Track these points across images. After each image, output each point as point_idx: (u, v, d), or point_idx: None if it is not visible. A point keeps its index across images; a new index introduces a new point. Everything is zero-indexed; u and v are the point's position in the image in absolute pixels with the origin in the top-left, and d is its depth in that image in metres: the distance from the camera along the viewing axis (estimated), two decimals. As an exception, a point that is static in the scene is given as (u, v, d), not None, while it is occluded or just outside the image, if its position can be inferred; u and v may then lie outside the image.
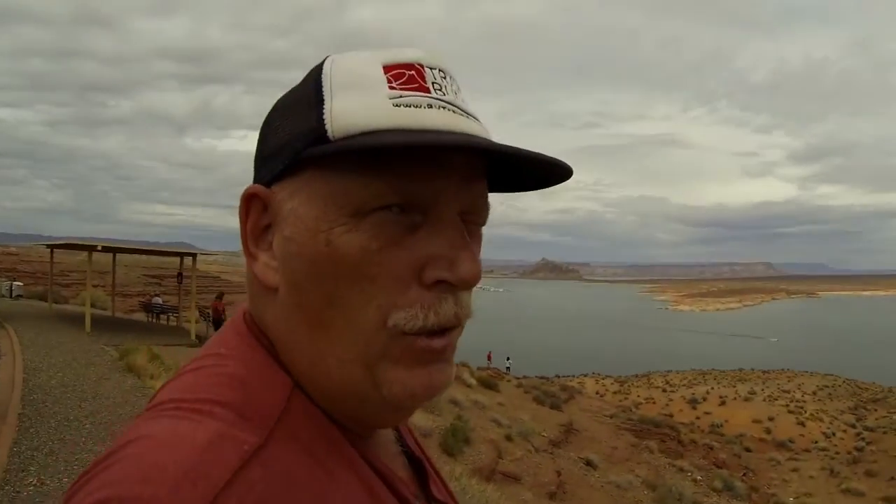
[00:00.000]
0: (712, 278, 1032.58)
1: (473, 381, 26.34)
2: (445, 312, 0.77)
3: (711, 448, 34.81)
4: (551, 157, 0.79)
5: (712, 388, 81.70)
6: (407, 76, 0.79)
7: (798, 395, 78.01)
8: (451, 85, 0.82)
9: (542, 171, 0.84)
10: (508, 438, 19.23)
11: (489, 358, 58.85)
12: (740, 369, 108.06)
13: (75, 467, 8.23)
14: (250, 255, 0.83)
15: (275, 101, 0.86)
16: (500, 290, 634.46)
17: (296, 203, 0.78)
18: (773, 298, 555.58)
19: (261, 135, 0.86)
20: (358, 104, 0.76)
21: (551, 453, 20.92)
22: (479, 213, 0.84)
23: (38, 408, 11.12)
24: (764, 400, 74.61)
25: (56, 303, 34.97)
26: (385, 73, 0.78)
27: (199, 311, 28.96)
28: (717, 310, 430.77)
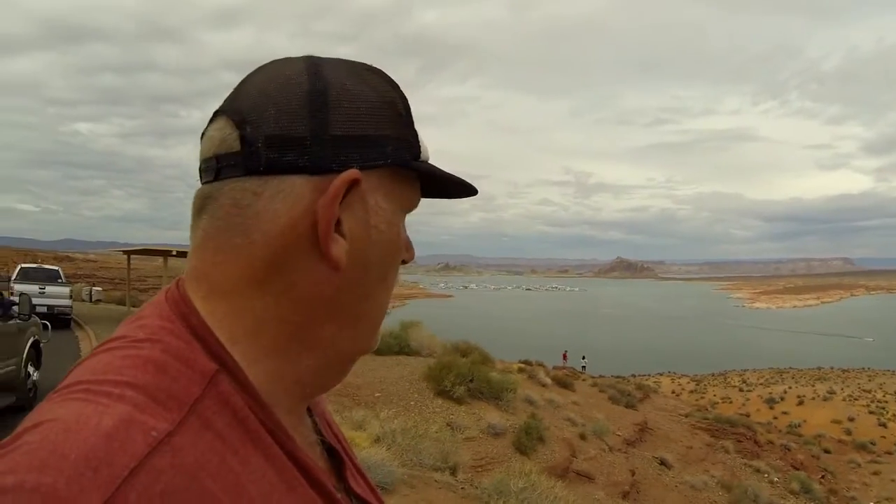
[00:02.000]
0: (788, 274, 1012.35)
1: (548, 381, 26.34)
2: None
3: (789, 449, 34.28)
4: (467, 182, 0.99)
5: (790, 388, 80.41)
6: None
7: (879, 395, 76.20)
8: None
9: (457, 190, 1.02)
10: (582, 437, 19.24)
11: (564, 357, 58.76)
12: (819, 368, 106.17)
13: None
14: (330, 237, 0.83)
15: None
16: (576, 289, 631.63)
17: (378, 197, 0.88)
18: (852, 294, 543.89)
19: (330, 108, 0.84)
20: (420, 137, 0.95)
21: (625, 452, 20.89)
22: None
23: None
24: (843, 400, 73.18)
25: (134, 306, 36.04)
26: None
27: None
28: (795, 307, 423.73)
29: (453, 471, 10.49)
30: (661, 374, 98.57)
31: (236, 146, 0.82)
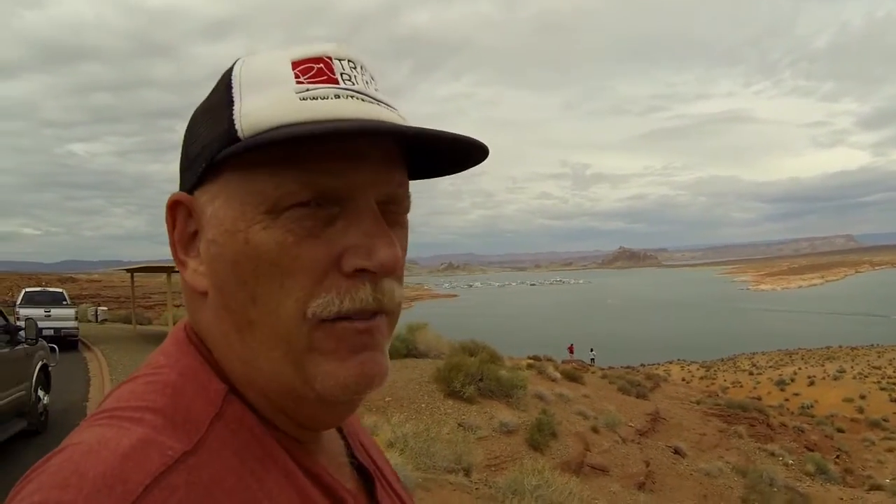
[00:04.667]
0: (792, 255, 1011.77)
1: (558, 375, 26.25)
2: (362, 297, 0.78)
3: (802, 430, 34.16)
4: (463, 136, 0.81)
5: (800, 369, 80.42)
6: (315, 69, 0.81)
7: (890, 371, 75.99)
8: (362, 75, 0.84)
9: (458, 153, 0.87)
10: (595, 430, 19.20)
11: (571, 350, 58.82)
12: (828, 347, 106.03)
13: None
14: (180, 263, 0.85)
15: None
16: (580, 281, 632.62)
17: (216, 206, 0.80)
18: (857, 271, 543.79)
19: (183, 143, 0.87)
20: (265, 101, 0.78)
21: (639, 443, 20.85)
22: (399, 203, 0.86)
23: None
24: (854, 378, 72.97)
25: (140, 324, 36.02)
26: (293, 68, 0.80)
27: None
28: (800, 287, 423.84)
29: (467, 471, 10.48)
30: (670, 363, 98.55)
31: None
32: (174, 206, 0.84)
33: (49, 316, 23.05)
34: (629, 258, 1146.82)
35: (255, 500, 0.73)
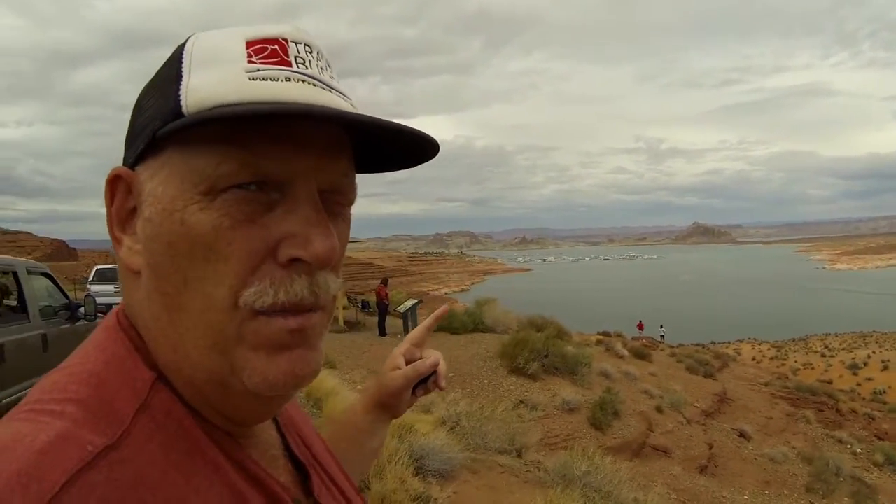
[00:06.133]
0: (870, 233, 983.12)
1: (625, 352, 26.11)
2: (297, 290, 0.76)
3: (873, 418, 33.39)
4: (410, 128, 0.79)
5: (874, 352, 78.23)
6: (269, 50, 0.79)
7: (969, 358, 73.76)
8: (318, 60, 0.82)
9: (410, 146, 0.85)
10: (659, 410, 19.07)
11: (640, 327, 58.52)
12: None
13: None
14: (115, 240, 0.83)
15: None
16: (654, 257, 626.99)
17: (155, 183, 0.77)
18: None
19: (131, 117, 0.84)
20: (212, 79, 0.76)
21: (703, 424, 20.68)
22: (343, 193, 0.84)
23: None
24: (931, 364, 71.02)
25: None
26: (247, 47, 0.78)
27: (348, 298, 30.43)
28: (878, 267, 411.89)
29: (519, 453, 10.41)
30: (741, 341, 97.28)
31: None
32: (114, 181, 0.82)
33: (119, 292, 23.63)
34: (703, 234, 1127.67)
35: (182, 496, 0.70)
